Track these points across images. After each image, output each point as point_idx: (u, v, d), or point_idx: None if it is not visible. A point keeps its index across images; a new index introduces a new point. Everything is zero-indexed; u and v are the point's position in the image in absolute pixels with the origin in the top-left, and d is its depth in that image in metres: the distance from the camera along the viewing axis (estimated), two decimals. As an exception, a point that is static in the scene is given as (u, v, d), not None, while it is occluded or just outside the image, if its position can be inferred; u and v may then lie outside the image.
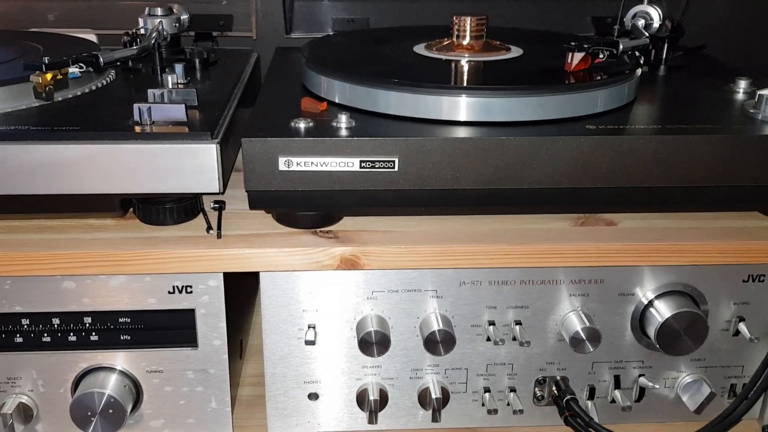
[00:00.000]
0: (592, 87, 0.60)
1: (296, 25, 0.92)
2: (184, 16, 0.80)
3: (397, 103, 0.59)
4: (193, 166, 0.55)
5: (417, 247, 0.57)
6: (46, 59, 0.58)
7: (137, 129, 0.56)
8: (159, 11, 0.76)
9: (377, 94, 0.60)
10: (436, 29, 0.79)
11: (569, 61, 0.62)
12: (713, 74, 0.77)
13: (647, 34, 0.71)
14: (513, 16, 0.94)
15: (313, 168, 0.55)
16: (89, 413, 0.60)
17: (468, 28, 0.70)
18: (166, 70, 0.69)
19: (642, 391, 0.67)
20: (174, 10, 0.78)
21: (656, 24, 0.75)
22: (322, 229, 0.60)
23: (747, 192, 0.60)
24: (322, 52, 0.72)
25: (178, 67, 0.67)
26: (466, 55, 0.69)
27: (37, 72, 0.57)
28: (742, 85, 0.69)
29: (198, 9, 0.86)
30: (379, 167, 0.55)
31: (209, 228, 0.59)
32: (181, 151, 0.55)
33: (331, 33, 0.92)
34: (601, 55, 0.63)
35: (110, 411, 0.60)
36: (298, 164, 0.55)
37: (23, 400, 0.62)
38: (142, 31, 0.75)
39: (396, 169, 0.55)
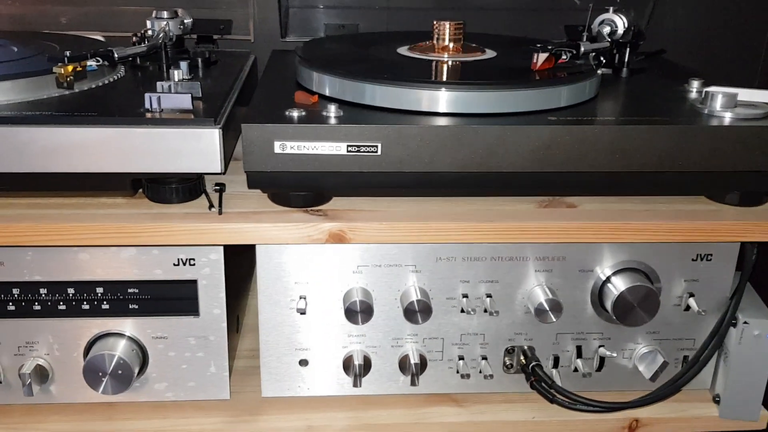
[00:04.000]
0: (554, 84, 0.67)
1: (291, 30, 1.00)
2: (188, 20, 0.87)
3: (381, 96, 0.66)
4: (198, 148, 0.62)
5: (397, 223, 0.64)
6: (67, 53, 0.64)
7: (148, 115, 0.62)
8: (165, 14, 0.83)
9: (363, 87, 0.67)
10: (420, 34, 0.86)
11: (535, 60, 0.69)
12: (671, 76, 0.84)
13: (608, 39, 0.78)
14: (492, 26, 1.01)
15: (305, 151, 0.62)
16: (100, 374, 0.66)
17: (447, 31, 0.78)
18: (172, 67, 0.76)
19: (602, 360, 0.74)
20: (179, 13, 0.85)
21: (621, 30, 0.83)
22: (312, 207, 0.66)
23: (694, 178, 0.67)
24: (315, 51, 0.79)
25: (183, 64, 0.74)
26: (445, 56, 0.76)
27: (60, 64, 0.64)
28: (695, 85, 0.76)
29: (200, 14, 0.93)
30: (364, 151, 0.62)
31: (211, 206, 0.65)
32: (188, 135, 0.61)
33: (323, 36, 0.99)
34: (564, 56, 0.71)
35: (119, 372, 0.67)
36: (291, 148, 0.62)
37: (40, 363, 0.68)
38: (150, 33, 0.82)
39: (379, 153, 0.62)
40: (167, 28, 0.80)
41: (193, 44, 0.94)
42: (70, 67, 0.64)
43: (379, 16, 1.02)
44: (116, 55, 0.68)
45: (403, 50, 0.79)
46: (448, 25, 0.77)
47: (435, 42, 0.78)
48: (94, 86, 0.71)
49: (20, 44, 0.81)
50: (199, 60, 0.82)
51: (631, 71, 0.84)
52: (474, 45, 0.80)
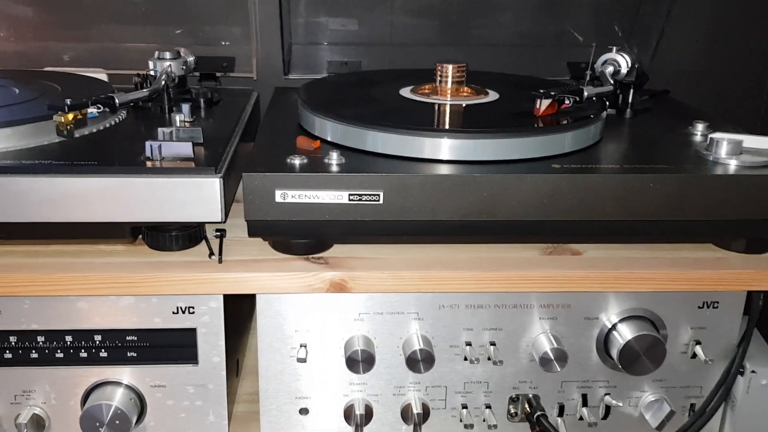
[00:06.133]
0: (557, 130, 0.67)
1: (294, 67, 1.00)
2: (191, 59, 0.87)
3: (383, 143, 0.66)
4: (198, 197, 0.61)
5: (399, 272, 0.63)
6: (68, 101, 0.64)
7: (149, 164, 0.62)
8: (168, 55, 0.83)
9: (366, 134, 0.66)
10: (423, 72, 0.86)
11: (538, 106, 0.69)
12: (675, 117, 0.84)
13: (612, 82, 0.78)
14: (496, 62, 1.01)
15: (307, 200, 0.61)
16: (97, 424, 0.65)
17: (449, 74, 0.77)
18: (174, 109, 0.76)
19: (608, 409, 0.72)
20: (181, 53, 0.85)
21: (624, 71, 0.83)
22: (313, 255, 0.66)
23: (700, 226, 0.66)
24: (317, 94, 0.78)
25: (185, 107, 0.74)
26: (447, 99, 0.76)
27: (60, 112, 0.63)
28: (699, 128, 0.76)
29: (203, 51, 0.93)
30: (366, 200, 0.61)
31: (211, 254, 0.65)
32: (188, 184, 0.61)
33: (326, 75, 0.99)
34: (567, 101, 0.70)
35: (117, 422, 0.65)
36: (293, 197, 0.61)
37: (36, 412, 0.67)
38: (152, 73, 0.82)
39: (381, 201, 0.61)
40: (169, 70, 0.79)
41: (196, 81, 0.94)
42: (70, 116, 0.63)
43: (382, 53, 1.02)
44: (117, 102, 0.68)
45: (405, 92, 0.79)
46: (450, 68, 0.77)
47: (437, 84, 0.78)
48: (95, 130, 0.71)
49: (21, 85, 0.81)
50: (202, 101, 0.82)
51: (635, 112, 0.83)
52: (476, 87, 0.80)
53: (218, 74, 0.95)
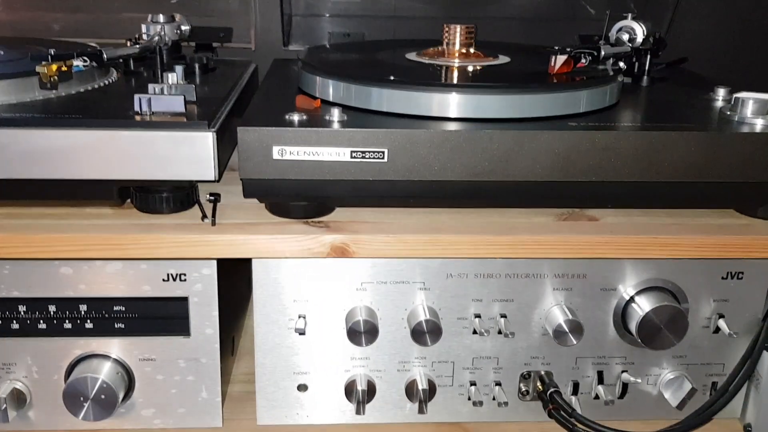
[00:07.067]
0: (573, 88, 0.63)
1: (294, 38, 0.96)
2: (186, 27, 0.83)
3: (388, 100, 0.62)
4: (190, 153, 0.57)
5: (405, 236, 0.59)
6: (52, 51, 0.60)
7: (137, 118, 0.58)
8: (161, 18, 0.79)
9: (369, 91, 0.62)
10: (429, 42, 0.82)
11: (552, 63, 0.65)
12: (694, 86, 0.80)
13: (629, 45, 0.74)
14: (503, 36, 0.98)
15: (306, 157, 0.57)
16: (82, 399, 0.61)
17: (458, 35, 0.73)
18: (167, 71, 0.72)
19: (625, 386, 0.68)
20: (176, 18, 0.81)
21: (640, 38, 0.79)
22: (313, 219, 0.62)
23: (723, 189, 0.62)
24: (320, 57, 0.75)
25: (179, 68, 0.70)
26: (456, 61, 0.72)
27: (44, 63, 0.59)
28: (721, 93, 0.72)
29: (200, 22, 0.89)
30: (369, 158, 0.57)
31: (204, 216, 0.61)
32: (179, 138, 0.57)
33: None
34: (583, 60, 0.66)
35: (102, 397, 0.61)
36: (291, 153, 0.57)
37: (17, 386, 0.63)
38: (145, 37, 0.78)
39: (385, 160, 0.57)
40: (162, 32, 0.76)
41: (192, 52, 0.91)
42: (54, 66, 0.59)
43: (386, 25, 0.98)
44: (105, 56, 0.64)
45: (411, 56, 0.75)
46: (459, 29, 0.73)
47: (445, 47, 0.74)
48: (83, 90, 0.67)
49: (7, 48, 0.77)
50: (197, 66, 0.78)
51: (652, 80, 0.79)
52: (486, 51, 0.76)
53: (215, 45, 0.91)
